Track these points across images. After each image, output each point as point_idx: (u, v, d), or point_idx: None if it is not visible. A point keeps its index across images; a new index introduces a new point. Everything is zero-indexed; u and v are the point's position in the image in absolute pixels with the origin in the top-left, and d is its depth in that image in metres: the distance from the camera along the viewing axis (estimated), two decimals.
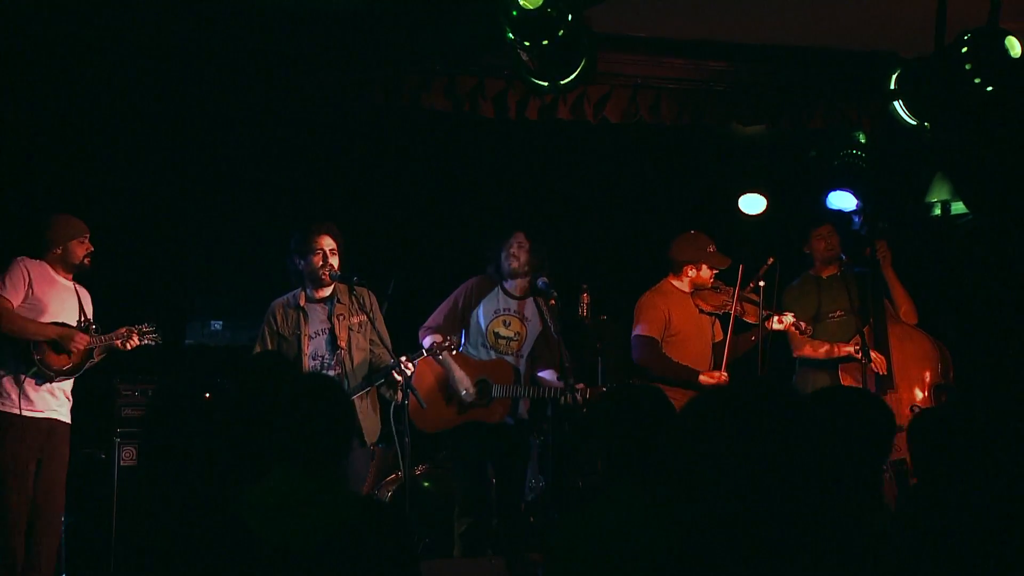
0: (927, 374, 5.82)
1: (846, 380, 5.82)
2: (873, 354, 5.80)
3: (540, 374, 5.68)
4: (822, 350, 5.92)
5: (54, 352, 5.09)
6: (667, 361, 5.74)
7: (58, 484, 5.12)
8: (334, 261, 5.29)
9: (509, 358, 5.70)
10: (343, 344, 5.29)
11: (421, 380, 5.58)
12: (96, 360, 5.27)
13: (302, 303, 5.32)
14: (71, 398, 5.24)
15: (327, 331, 5.31)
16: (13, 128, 5.50)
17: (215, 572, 2.78)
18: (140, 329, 5.31)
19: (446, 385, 5.60)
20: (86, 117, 5.72)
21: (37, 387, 5.07)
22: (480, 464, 5.67)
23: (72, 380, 5.22)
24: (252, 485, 2.85)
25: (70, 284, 5.26)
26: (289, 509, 2.76)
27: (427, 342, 5.45)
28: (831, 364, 5.92)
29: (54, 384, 5.11)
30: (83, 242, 5.21)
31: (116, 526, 5.55)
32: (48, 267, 5.18)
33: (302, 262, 5.32)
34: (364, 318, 5.37)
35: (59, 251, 5.19)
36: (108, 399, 5.76)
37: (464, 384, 5.55)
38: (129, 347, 5.28)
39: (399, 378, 5.19)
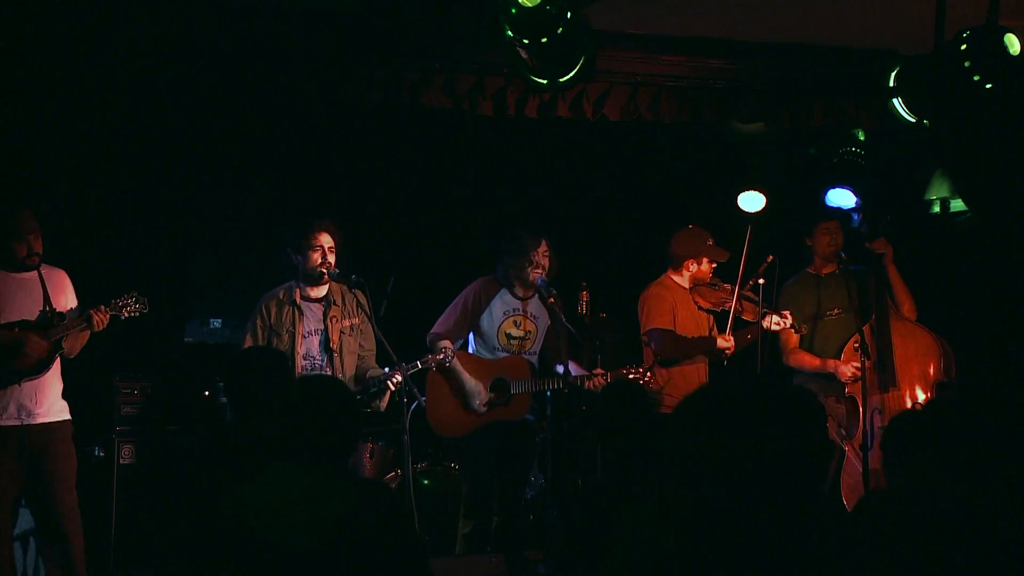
0: (930, 371, 5.81)
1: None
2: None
3: (559, 368, 5.68)
4: (806, 360, 5.94)
5: (13, 355, 4.83)
6: (684, 342, 5.80)
7: (68, 484, 4.95)
8: (332, 259, 5.27)
9: (523, 355, 5.71)
10: (335, 347, 5.28)
11: (437, 387, 5.58)
12: (76, 348, 4.98)
13: (297, 300, 5.30)
14: (59, 396, 5.01)
15: (320, 332, 5.29)
16: (13, 125, 5.49)
17: (218, 567, 2.78)
18: (116, 303, 5.02)
19: (463, 390, 5.59)
20: (86, 115, 5.71)
21: (6, 395, 4.83)
22: (488, 466, 5.68)
23: (53, 378, 4.97)
24: (255, 482, 2.86)
25: (31, 275, 4.99)
26: (292, 505, 2.77)
27: (421, 363, 5.41)
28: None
29: (25, 386, 4.87)
30: (23, 243, 4.91)
31: (116, 524, 5.55)
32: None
33: (299, 258, 5.29)
34: (356, 321, 5.36)
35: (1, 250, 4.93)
36: (107, 397, 5.75)
37: (478, 397, 5.54)
38: (99, 326, 4.96)
39: (392, 387, 5.19)
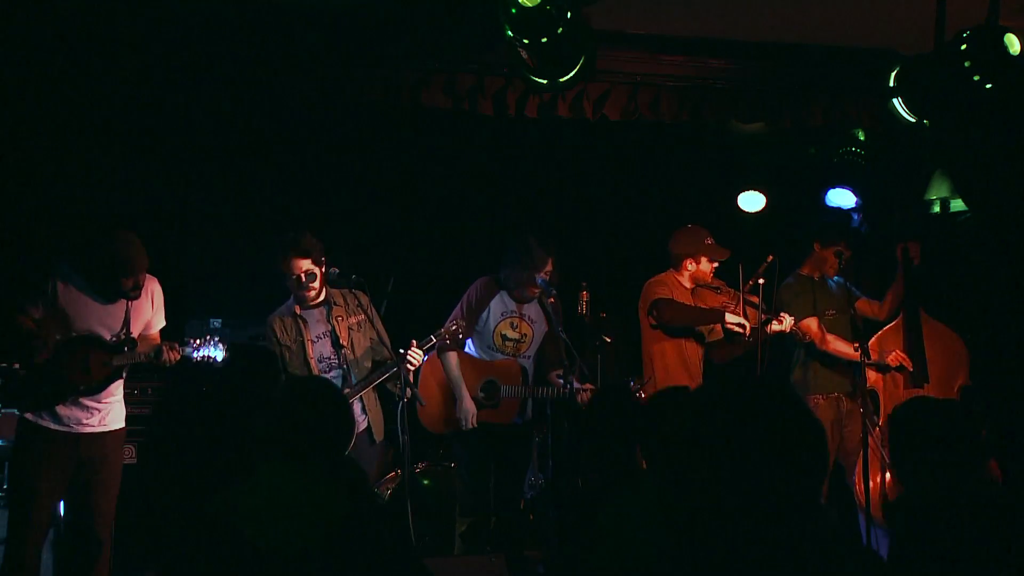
0: (956, 372, 5.85)
1: (870, 375, 5.84)
2: (897, 354, 5.82)
3: (551, 375, 5.69)
4: (845, 348, 5.89)
5: (79, 369, 4.81)
6: (688, 307, 5.80)
7: (110, 493, 4.94)
8: (314, 282, 5.26)
9: (517, 359, 5.72)
10: (345, 343, 5.30)
11: (430, 382, 5.59)
12: (143, 357, 4.92)
13: (298, 311, 5.33)
14: (116, 406, 4.99)
15: (328, 333, 5.32)
16: (15, 127, 5.49)
17: (213, 567, 2.78)
18: (193, 343, 4.96)
19: (455, 399, 5.60)
20: (85, 116, 5.71)
21: (61, 405, 4.82)
22: (483, 465, 5.69)
23: (111, 391, 4.94)
24: (245, 485, 2.85)
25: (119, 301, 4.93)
26: (282, 508, 2.77)
27: (435, 338, 5.44)
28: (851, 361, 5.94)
29: (81, 401, 4.85)
30: (131, 279, 4.83)
31: (116, 524, 5.54)
32: (86, 287, 4.85)
33: (286, 280, 5.32)
34: (362, 317, 5.38)
35: (104, 277, 4.85)
36: None
37: (467, 413, 5.54)
38: (168, 364, 4.92)
39: (411, 366, 5.17)
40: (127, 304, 4.94)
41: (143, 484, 5.67)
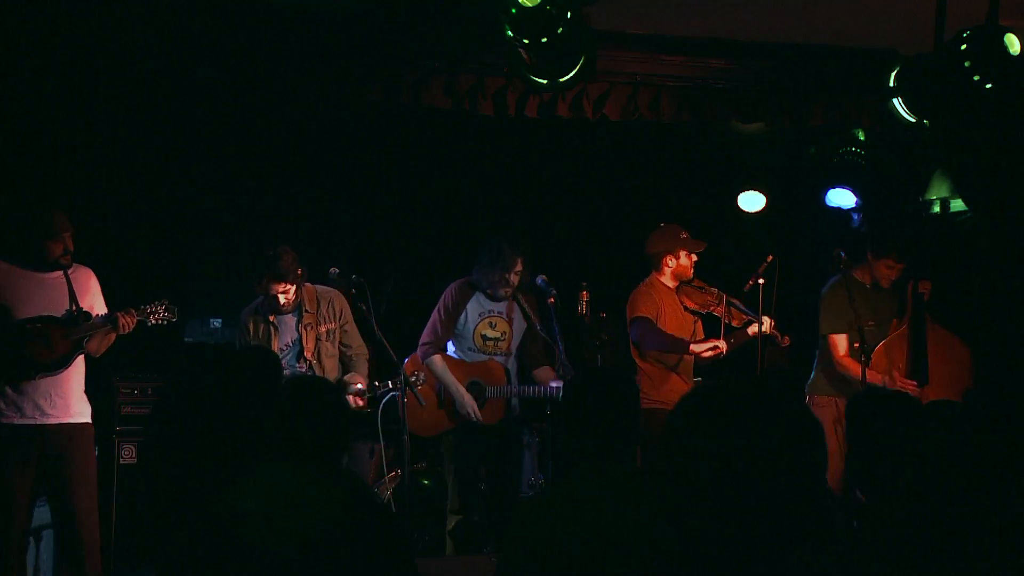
0: (959, 378, 5.82)
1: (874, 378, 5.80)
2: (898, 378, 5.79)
3: (536, 372, 5.69)
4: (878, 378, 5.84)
5: (32, 349, 4.80)
6: (661, 333, 5.81)
7: (87, 489, 4.90)
8: (289, 295, 5.34)
9: (499, 358, 5.72)
10: (309, 355, 5.34)
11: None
12: (102, 348, 4.99)
13: (271, 318, 5.39)
14: (78, 397, 4.96)
15: (295, 342, 5.38)
16: (14, 125, 5.49)
17: (208, 570, 2.79)
18: (145, 309, 5.02)
19: (441, 390, 5.63)
20: (86, 115, 5.71)
21: (22, 392, 4.80)
22: (473, 464, 5.71)
23: (72, 378, 4.93)
24: (244, 484, 2.86)
25: (57, 274, 4.95)
26: (280, 505, 2.77)
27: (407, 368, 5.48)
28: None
29: (42, 384, 4.83)
30: (59, 241, 4.90)
31: (116, 524, 5.55)
32: (20, 264, 4.90)
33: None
34: (333, 326, 5.43)
35: (32, 249, 4.89)
36: (107, 397, 5.74)
37: (468, 409, 5.55)
38: (125, 329, 4.97)
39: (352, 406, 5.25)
40: (67, 280, 4.96)
41: (143, 484, 5.67)
